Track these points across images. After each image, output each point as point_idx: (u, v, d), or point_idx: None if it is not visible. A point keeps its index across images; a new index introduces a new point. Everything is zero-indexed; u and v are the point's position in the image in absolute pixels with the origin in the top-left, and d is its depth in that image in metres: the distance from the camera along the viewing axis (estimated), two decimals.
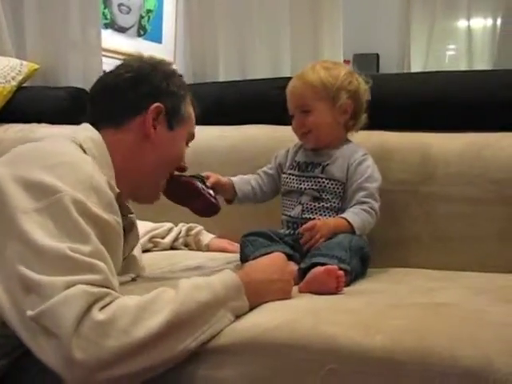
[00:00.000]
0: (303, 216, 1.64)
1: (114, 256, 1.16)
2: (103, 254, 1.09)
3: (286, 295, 1.25)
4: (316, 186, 1.65)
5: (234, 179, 1.73)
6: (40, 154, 1.20)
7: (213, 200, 1.58)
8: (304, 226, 1.55)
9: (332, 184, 1.64)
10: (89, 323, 0.98)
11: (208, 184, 1.60)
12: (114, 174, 1.32)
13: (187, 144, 1.52)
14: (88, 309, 0.99)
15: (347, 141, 1.74)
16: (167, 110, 1.41)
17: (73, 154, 1.24)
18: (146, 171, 1.41)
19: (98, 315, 0.99)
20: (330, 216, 1.62)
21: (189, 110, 1.49)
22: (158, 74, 1.43)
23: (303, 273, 1.41)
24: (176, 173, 1.52)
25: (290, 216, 1.67)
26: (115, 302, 1.03)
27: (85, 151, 1.28)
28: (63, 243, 1.04)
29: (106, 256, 1.10)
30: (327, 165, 1.67)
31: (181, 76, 1.50)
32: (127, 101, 1.40)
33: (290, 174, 1.73)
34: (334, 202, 1.63)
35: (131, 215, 1.49)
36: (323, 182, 1.65)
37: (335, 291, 1.32)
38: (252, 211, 1.83)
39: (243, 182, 1.75)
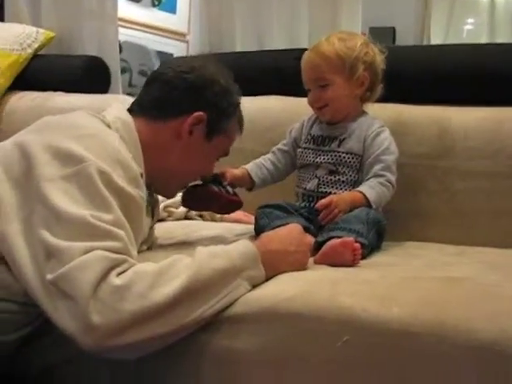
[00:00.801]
0: (319, 190, 1.63)
1: (135, 228, 1.16)
2: (124, 224, 1.10)
3: (302, 266, 1.25)
4: (332, 159, 1.64)
5: (249, 167, 1.72)
6: (69, 125, 1.23)
7: (232, 197, 1.59)
8: (320, 202, 1.53)
9: (349, 157, 1.63)
10: (106, 288, 0.99)
11: (225, 182, 1.59)
12: (141, 155, 1.33)
13: (218, 159, 1.52)
14: (105, 274, 1.00)
15: (363, 113, 1.72)
16: (209, 121, 1.41)
17: (100, 128, 1.26)
18: (167, 168, 1.41)
19: (116, 280, 1.00)
20: (346, 189, 1.61)
21: (232, 128, 1.49)
22: (214, 88, 1.42)
23: (319, 246, 1.40)
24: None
25: (305, 189, 1.66)
26: (132, 268, 1.04)
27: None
28: (86, 210, 1.06)
29: (126, 226, 1.11)
30: (344, 139, 1.65)
31: (238, 93, 1.49)
32: (175, 100, 1.40)
33: (305, 147, 1.71)
34: (351, 176, 1.62)
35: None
36: (339, 156, 1.64)
37: (351, 263, 1.31)
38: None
39: (258, 167, 1.73)
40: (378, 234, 1.52)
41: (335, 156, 1.64)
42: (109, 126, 1.29)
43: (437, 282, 1.16)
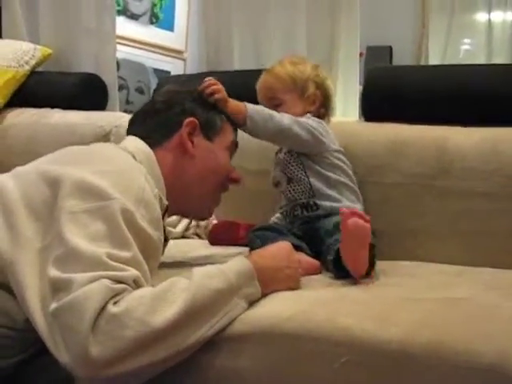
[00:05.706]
0: (291, 202, 1.65)
1: (151, 269, 1.16)
2: (141, 262, 1.11)
3: (294, 283, 1.26)
4: (282, 169, 1.68)
5: None
6: (97, 159, 1.25)
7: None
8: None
9: (287, 157, 1.66)
10: (103, 317, 0.98)
11: None
12: (164, 187, 1.36)
13: (232, 154, 1.56)
14: (105, 305, 0.99)
15: None
16: (202, 123, 1.46)
17: (128, 162, 1.28)
18: (191, 186, 1.45)
19: (112, 309, 0.99)
20: (304, 194, 1.62)
21: (223, 122, 1.52)
22: (189, 95, 1.50)
23: (334, 264, 1.38)
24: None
25: (281, 207, 1.69)
26: (130, 294, 1.03)
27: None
28: (102, 248, 1.05)
29: (143, 264, 1.11)
30: None
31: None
32: (162, 122, 1.46)
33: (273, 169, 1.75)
34: (302, 174, 1.63)
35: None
36: (283, 161, 1.67)
37: (367, 220, 1.28)
38: (263, 203, 1.83)
39: None
40: None
41: (282, 164, 1.68)
42: (134, 158, 1.31)
43: (435, 303, 1.16)
